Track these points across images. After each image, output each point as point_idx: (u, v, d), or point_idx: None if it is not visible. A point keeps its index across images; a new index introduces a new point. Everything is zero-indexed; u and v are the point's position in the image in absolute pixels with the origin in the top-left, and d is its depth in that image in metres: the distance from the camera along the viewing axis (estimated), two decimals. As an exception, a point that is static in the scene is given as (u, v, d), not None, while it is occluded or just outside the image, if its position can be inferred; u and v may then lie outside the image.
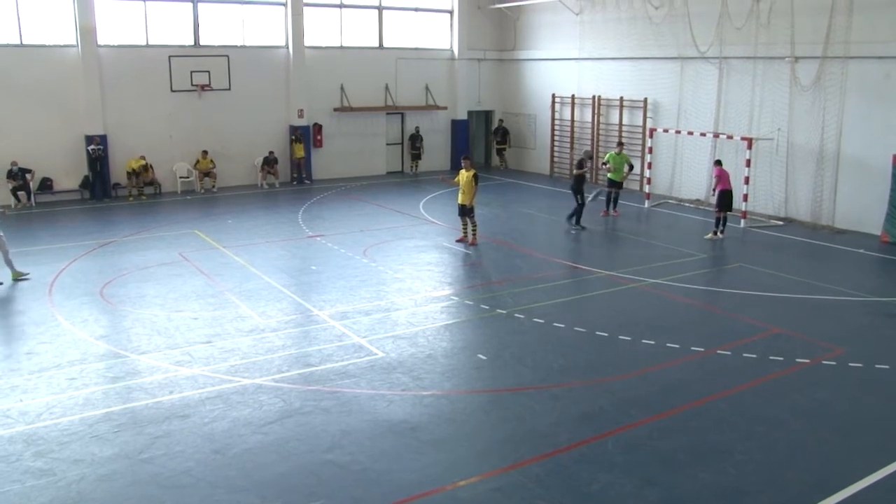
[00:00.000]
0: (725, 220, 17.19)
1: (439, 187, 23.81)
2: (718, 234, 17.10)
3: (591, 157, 18.01)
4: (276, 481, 7.12)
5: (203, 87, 22.86)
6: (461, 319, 11.82)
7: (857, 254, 16.10)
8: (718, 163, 17.66)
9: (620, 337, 10.92)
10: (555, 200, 22.43)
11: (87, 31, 21.24)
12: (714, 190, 17.33)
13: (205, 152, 23.21)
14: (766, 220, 18.97)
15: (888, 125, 17.17)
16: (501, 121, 28.60)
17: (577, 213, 18.05)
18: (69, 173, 21.86)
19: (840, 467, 7.46)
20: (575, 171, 18.22)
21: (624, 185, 20.38)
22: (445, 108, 27.79)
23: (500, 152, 28.71)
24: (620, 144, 20.85)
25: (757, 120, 19.81)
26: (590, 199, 18.58)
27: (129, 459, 7.45)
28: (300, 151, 24.89)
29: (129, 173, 21.89)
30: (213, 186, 23.46)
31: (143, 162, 21.89)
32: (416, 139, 27.32)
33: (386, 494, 6.90)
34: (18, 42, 20.78)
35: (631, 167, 20.13)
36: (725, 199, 17.01)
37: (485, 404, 8.96)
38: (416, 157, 27.50)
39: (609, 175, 19.95)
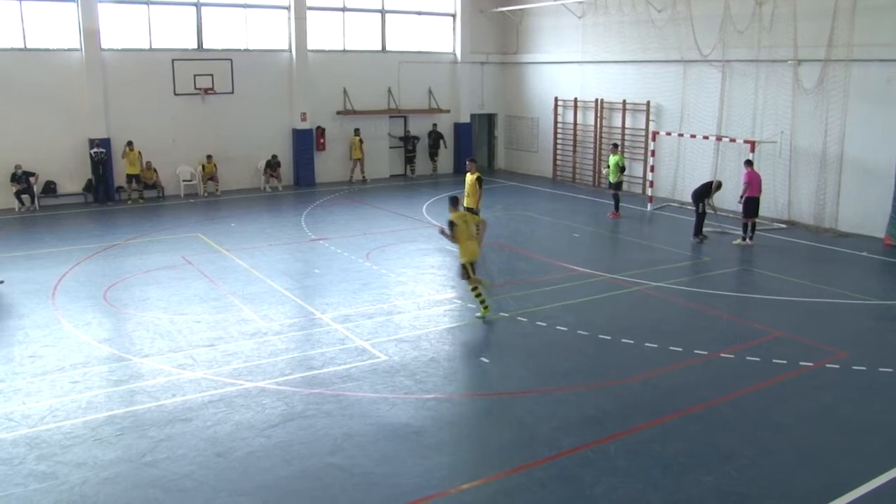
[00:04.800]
0: (754, 226, 17.05)
1: (442, 190, 23.84)
2: (747, 240, 16.87)
3: (718, 188, 17.47)
4: (278, 485, 7.12)
5: (206, 91, 22.92)
6: (464, 323, 11.81)
7: (860, 257, 16.07)
8: (749, 163, 17.10)
9: (623, 340, 10.91)
10: (557, 204, 22.45)
11: (90, 34, 21.30)
12: (742, 196, 16.89)
13: (209, 157, 23.24)
14: (769, 224, 18.94)
15: (891, 128, 17.14)
16: (435, 125, 27.54)
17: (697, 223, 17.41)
18: (73, 177, 21.91)
19: (844, 471, 7.44)
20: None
21: (623, 186, 20.34)
22: (448, 111, 27.81)
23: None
24: (614, 146, 20.93)
25: (760, 123, 19.80)
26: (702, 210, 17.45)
27: (132, 463, 7.46)
28: (359, 152, 25.52)
29: (128, 177, 21.90)
30: (217, 190, 23.48)
31: (135, 153, 21.75)
32: (409, 140, 27.17)
33: (388, 498, 6.89)
34: (22, 46, 20.85)
35: (622, 169, 20.06)
36: (752, 206, 16.75)
37: (488, 408, 8.96)
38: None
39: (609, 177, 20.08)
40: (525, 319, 11.80)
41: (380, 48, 26.57)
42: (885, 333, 11.45)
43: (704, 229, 17.35)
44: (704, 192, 17.21)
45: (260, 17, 24.31)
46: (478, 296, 11.62)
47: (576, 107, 25.64)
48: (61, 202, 21.67)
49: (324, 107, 25.33)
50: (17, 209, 20.67)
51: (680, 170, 22.18)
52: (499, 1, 27.74)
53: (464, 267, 11.59)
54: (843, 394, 9.24)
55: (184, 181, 23.25)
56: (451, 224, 11.50)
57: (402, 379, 9.55)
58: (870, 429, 8.34)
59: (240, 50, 23.85)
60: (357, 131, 25.75)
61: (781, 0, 18.77)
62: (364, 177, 26.16)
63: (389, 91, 26.66)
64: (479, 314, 11.67)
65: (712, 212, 17.68)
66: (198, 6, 23.05)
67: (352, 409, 8.72)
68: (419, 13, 27.15)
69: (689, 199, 18.70)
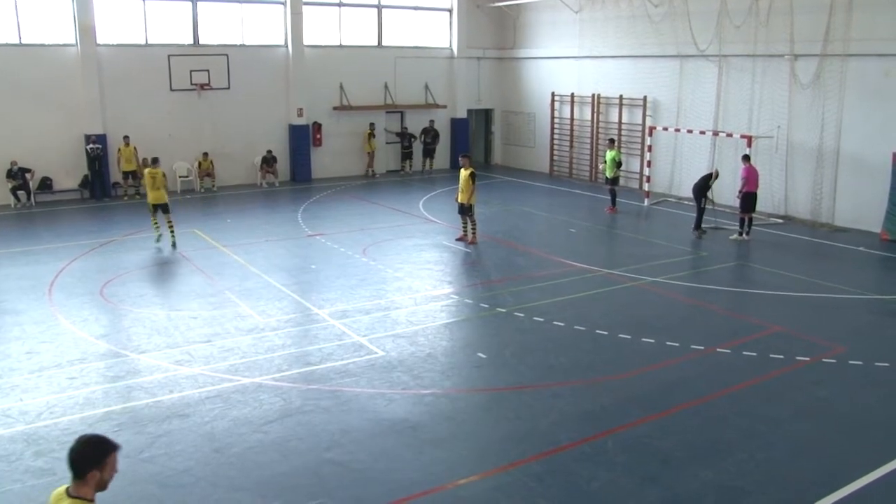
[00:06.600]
0: (751, 221, 17.03)
1: (439, 186, 23.83)
2: (744, 235, 16.86)
3: (716, 177, 17.52)
4: (276, 480, 7.12)
5: (202, 86, 22.85)
6: (461, 318, 11.82)
7: (856, 251, 16.10)
8: (746, 158, 17.04)
9: (620, 335, 10.92)
10: (554, 199, 22.45)
11: (86, 30, 21.22)
12: (740, 192, 16.87)
13: (206, 154, 23.21)
14: (765, 218, 18.95)
15: (887, 123, 17.16)
16: (432, 121, 27.45)
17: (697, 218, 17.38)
18: (69, 173, 21.85)
19: (841, 465, 7.46)
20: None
21: (619, 181, 20.37)
22: (445, 106, 27.77)
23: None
24: (611, 141, 20.94)
25: (756, 118, 19.81)
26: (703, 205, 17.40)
27: (130, 459, 7.44)
28: (372, 145, 26.05)
29: (124, 173, 21.82)
30: (213, 185, 23.45)
31: (130, 149, 21.64)
32: (406, 136, 27.14)
33: (386, 493, 6.90)
34: (18, 41, 20.76)
35: (619, 164, 20.08)
36: (750, 200, 16.74)
37: (485, 403, 8.96)
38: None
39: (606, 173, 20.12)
40: (522, 315, 11.81)
41: (376, 43, 26.52)
42: (881, 328, 11.48)
43: (702, 224, 17.38)
44: (705, 186, 17.20)
45: (256, 13, 24.24)
46: (156, 227, 16.21)
47: (572, 102, 25.62)
48: (57, 198, 21.61)
49: (320, 102, 25.27)
50: (13, 205, 20.60)
51: (677, 165, 22.19)
52: (495, -4, 27.74)
53: (148, 205, 16.18)
54: (840, 388, 9.26)
55: (180, 177, 23.19)
56: (141, 176, 16.65)
57: (400, 374, 9.55)
58: (866, 423, 8.37)
59: (236, 45, 23.77)
60: (371, 126, 26.02)
61: (778, -5, 18.79)
62: (367, 171, 26.43)
63: (386, 86, 26.62)
64: (158, 240, 16.16)
65: (711, 206, 17.69)
66: (193, 1, 22.97)
67: (349, 404, 8.72)
68: (415, 8, 27.08)
69: (685, 193, 18.74)
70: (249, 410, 8.54)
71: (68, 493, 3.92)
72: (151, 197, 15.98)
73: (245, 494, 6.89)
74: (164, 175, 16.20)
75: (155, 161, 16.40)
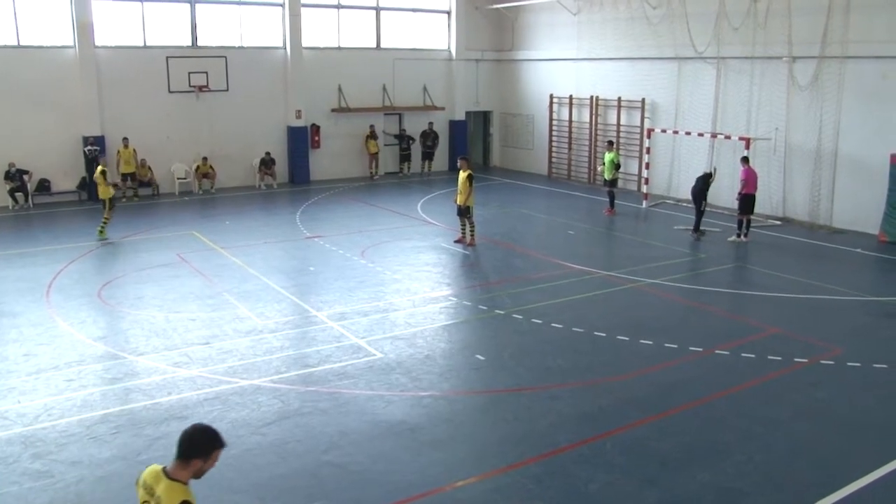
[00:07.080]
0: (749, 223, 17.03)
1: (437, 188, 23.83)
2: (742, 237, 16.89)
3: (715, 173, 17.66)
4: (274, 482, 7.11)
5: (201, 88, 22.84)
6: (459, 320, 11.81)
7: (854, 253, 16.12)
8: (745, 160, 17.05)
9: (618, 337, 10.92)
10: (553, 201, 22.46)
11: (84, 31, 21.21)
12: (739, 193, 16.88)
13: (205, 159, 23.22)
14: (763, 220, 18.96)
15: (885, 125, 17.19)
16: (431, 124, 27.42)
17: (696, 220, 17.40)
18: (67, 174, 21.83)
19: (839, 466, 7.46)
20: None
21: (618, 183, 20.39)
22: (443, 108, 27.77)
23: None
24: (609, 143, 20.94)
25: (755, 120, 19.83)
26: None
27: (127, 461, 7.43)
28: (374, 147, 26.20)
29: (123, 175, 21.80)
30: (212, 187, 23.44)
31: (129, 150, 21.66)
32: (404, 138, 27.08)
33: (385, 495, 6.89)
34: (16, 43, 20.76)
35: (617, 166, 20.09)
36: (748, 202, 16.76)
37: (483, 405, 8.96)
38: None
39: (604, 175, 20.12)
40: (520, 317, 11.80)
41: (374, 45, 26.53)
42: (879, 330, 11.49)
43: (686, 224, 17.36)
44: (704, 187, 17.20)
45: (254, 14, 24.24)
46: (104, 221, 16.99)
47: (571, 104, 25.64)
48: (55, 200, 21.58)
49: (318, 104, 25.27)
50: (10, 207, 20.59)
51: (675, 167, 22.20)
52: (494, -2, 27.76)
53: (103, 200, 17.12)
54: (838, 390, 9.27)
55: (178, 179, 23.18)
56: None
57: (398, 376, 9.54)
58: (864, 424, 8.37)
59: (234, 47, 23.77)
60: (371, 127, 26.10)
61: (776, -3, 18.83)
62: (371, 172, 26.52)
63: (384, 88, 26.62)
64: (100, 235, 16.90)
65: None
66: (192, 3, 22.96)
67: (347, 406, 8.71)
68: (414, 10, 27.10)
69: (684, 195, 18.73)
70: (248, 412, 8.53)
71: (166, 474, 4.05)
72: (104, 193, 17.07)
73: (243, 496, 6.88)
74: (101, 173, 16.88)
75: (95, 158, 18.67)
